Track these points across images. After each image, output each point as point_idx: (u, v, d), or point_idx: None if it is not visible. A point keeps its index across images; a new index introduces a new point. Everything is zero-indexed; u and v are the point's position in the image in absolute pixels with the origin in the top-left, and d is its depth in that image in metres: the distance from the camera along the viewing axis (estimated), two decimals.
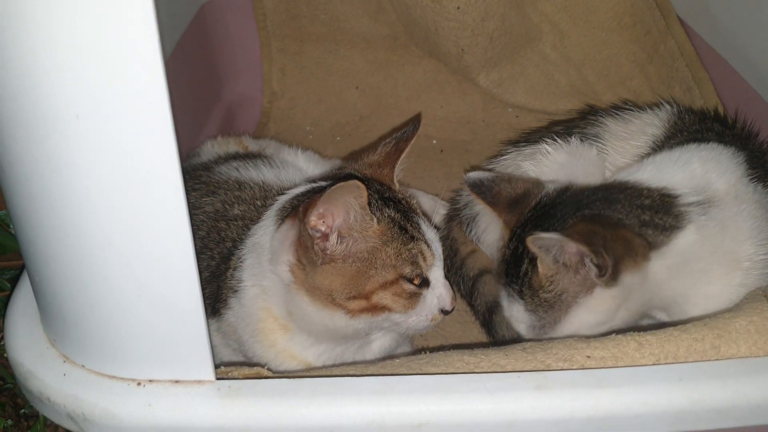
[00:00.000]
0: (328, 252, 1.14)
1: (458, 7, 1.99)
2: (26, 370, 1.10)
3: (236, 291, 1.29)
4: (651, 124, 1.54)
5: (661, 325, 1.18)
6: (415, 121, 1.33)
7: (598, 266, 1.20)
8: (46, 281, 1.05)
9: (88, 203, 0.91)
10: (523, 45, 2.18)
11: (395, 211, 1.20)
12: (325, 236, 1.13)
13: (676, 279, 1.25)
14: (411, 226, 1.20)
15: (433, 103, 2.30)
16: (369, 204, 1.15)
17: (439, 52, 2.18)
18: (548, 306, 1.27)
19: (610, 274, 1.20)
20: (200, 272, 1.36)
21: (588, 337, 1.12)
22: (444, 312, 1.23)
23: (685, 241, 1.23)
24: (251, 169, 1.55)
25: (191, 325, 1.02)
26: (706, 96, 1.87)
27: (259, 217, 1.38)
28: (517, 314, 1.34)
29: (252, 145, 1.76)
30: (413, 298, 1.19)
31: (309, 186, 1.30)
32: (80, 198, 0.91)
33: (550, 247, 1.22)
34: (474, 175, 1.40)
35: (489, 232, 1.64)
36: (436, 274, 1.22)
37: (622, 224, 1.23)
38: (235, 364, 1.17)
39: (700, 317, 1.16)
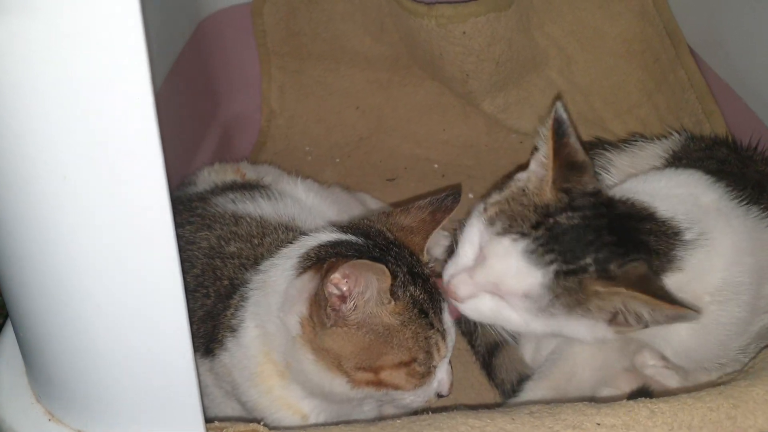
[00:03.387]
0: (341, 315, 1.09)
1: (464, 32, 1.94)
2: (8, 426, 1.05)
3: (235, 331, 1.23)
4: (655, 156, 1.51)
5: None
6: (455, 191, 1.26)
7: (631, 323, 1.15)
8: (31, 339, 1.01)
9: (74, 264, 0.87)
10: (529, 70, 2.13)
11: (422, 290, 1.15)
12: (343, 298, 1.08)
13: None
14: (433, 311, 1.16)
15: (435, 126, 2.26)
16: (395, 278, 1.11)
17: (443, 76, 2.14)
18: (570, 303, 1.14)
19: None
20: (194, 311, 1.33)
21: (598, 403, 1.07)
22: (439, 396, 1.20)
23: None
24: (248, 201, 1.50)
25: (181, 387, 0.97)
26: (716, 131, 1.83)
27: (257, 256, 1.33)
28: (522, 277, 1.15)
29: (250, 173, 1.71)
30: (422, 380, 1.15)
31: (337, 236, 1.23)
32: (67, 259, 0.87)
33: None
34: (562, 112, 1.23)
35: None
36: (443, 360, 1.19)
37: None
38: (231, 419, 1.12)
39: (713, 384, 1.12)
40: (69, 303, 0.91)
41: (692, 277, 1.18)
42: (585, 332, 1.18)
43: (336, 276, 1.06)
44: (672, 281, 1.17)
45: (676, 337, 1.23)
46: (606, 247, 1.15)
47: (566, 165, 1.22)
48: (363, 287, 1.07)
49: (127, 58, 0.73)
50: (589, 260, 1.14)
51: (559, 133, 1.21)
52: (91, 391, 1.01)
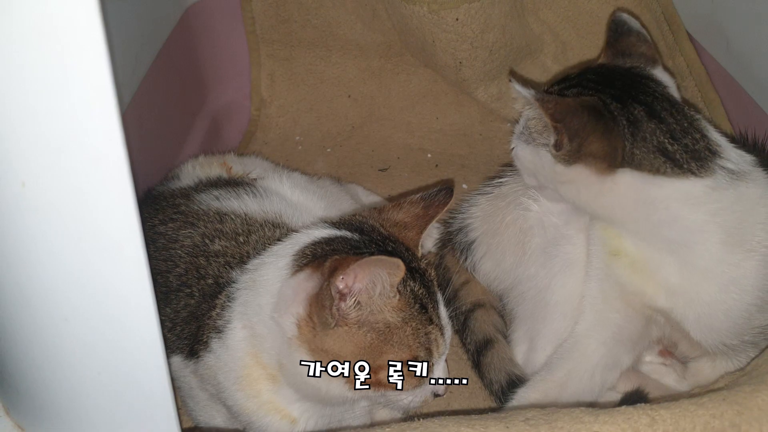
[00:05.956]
0: (342, 313, 1.06)
1: (457, 19, 1.89)
2: None
3: (221, 332, 1.20)
4: None
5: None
6: (448, 185, 1.24)
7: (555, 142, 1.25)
8: None
9: (38, 276, 0.83)
10: (523, 57, 2.08)
11: (420, 285, 1.12)
12: (342, 296, 1.05)
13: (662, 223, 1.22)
14: (432, 306, 1.13)
15: (428, 115, 2.22)
16: None
17: (435, 63, 2.09)
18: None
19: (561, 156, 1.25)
20: (177, 312, 1.29)
21: (596, 410, 1.03)
22: (435, 395, 1.16)
23: (692, 186, 1.19)
24: (233, 198, 1.45)
25: (156, 399, 0.94)
26: (715, 119, 1.79)
27: (242, 254, 1.29)
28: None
29: (237, 166, 1.66)
30: (420, 379, 1.11)
31: (331, 232, 1.19)
32: (30, 270, 0.82)
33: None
34: (625, 16, 1.40)
35: (486, 260, 1.56)
36: (441, 358, 1.15)
37: (615, 132, 1.21)
38: (213, 430, 1.08)
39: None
40: (34, 315, 0.86)
41: (734, 222, 1.19)
42: (541, 163, 1.30)
43: (345, 274, 1.03)
44: (712, 206, 1.19)
45: (703, 300, 1.21)
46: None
47: (620, 53, 1.36)
48: (369, 284, 1.04)
49: (86, 54, 0.68)
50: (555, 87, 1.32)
51: (614, 32, 1.38)
52: (62, 404, 0.96)
